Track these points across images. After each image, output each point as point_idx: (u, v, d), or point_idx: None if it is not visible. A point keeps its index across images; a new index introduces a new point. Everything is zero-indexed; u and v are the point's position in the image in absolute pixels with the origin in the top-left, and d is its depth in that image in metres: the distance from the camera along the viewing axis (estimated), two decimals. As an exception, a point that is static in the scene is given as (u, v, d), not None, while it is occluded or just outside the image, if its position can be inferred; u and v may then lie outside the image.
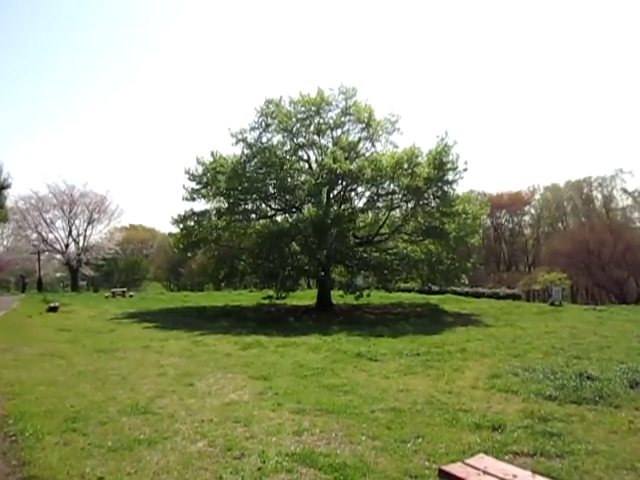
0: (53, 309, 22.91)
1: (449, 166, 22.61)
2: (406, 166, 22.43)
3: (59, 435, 6.12)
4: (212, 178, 24.17)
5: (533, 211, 64.86)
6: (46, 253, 46.40)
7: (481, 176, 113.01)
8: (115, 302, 29.08)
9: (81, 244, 45.21)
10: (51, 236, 44.89)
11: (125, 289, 37.50)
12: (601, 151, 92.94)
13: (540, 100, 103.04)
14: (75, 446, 5.75)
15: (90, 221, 45.58)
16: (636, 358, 10.86)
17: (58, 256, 46.99)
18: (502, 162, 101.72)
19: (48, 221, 44.37)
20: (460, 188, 24.06)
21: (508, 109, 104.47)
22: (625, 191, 57.94)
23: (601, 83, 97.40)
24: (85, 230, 45.57)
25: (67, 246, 44.96)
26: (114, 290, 35.39)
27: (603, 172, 68.71)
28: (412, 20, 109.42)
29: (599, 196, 61.19)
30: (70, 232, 45.07)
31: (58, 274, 55.78)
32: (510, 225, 64.91)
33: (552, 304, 25.64)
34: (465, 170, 22.88)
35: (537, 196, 64.49)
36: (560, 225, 63.67)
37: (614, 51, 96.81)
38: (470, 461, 4.03)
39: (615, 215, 57.50)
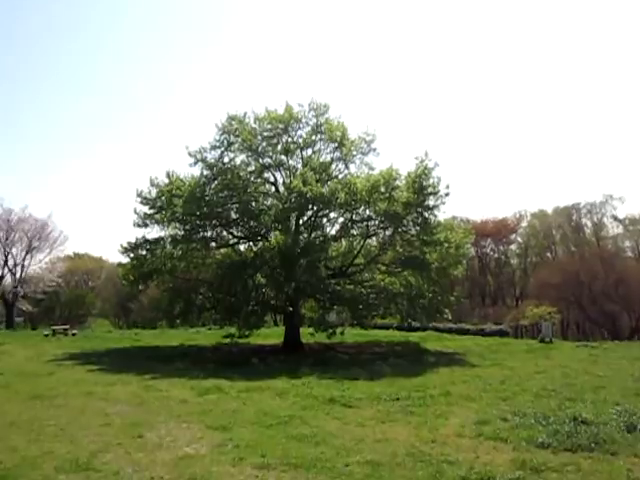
0: (-18, 350, 22.12)
1: (430, 190, 22.88)
2: (383, 190, 22.64)
3: (-17, 499, 5.83)
4: (167, 202, 23.94)
5: (520, 239, 65.90)
6: (-22, 286, 45.05)
7: (464, 202, 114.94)
8: (56, 341, 28.33)
9: (18, 275, 44.03)
10: (-16, 267, 43.67)
11: (67, 326, 36.56)
12: (590, 175, 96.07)
13: (526, 122, 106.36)
14: (1, 512, 5.48)
15: (29, 250, 44.45)
16: (632, 399, 11.03)
17: (-9, 289, 45.64)
18: (487, 186, 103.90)
19: (-19, 250, 43.20)
20: (442, 214, 24.34)
21: (493, 130, 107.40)
22: (616, 218, 59.42)
23: (590, 105, 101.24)
24: (23, 260, 44.40)
25: (2, 278, 43.73)
26: (55, 327, 34.46)
27: (592, 198, 70.56)
28: (388, 33, 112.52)
29: (589, 223, 62.64)
30: (6, 262, 43.85)
31: (-10, 309, 54.11)
32: (496, 255, 65.77)
33: (542, 341, 25.99)
34: (447, 195, 23.15)
35: (524, 223, 65.64)
36: (549, 255, 64.83)
37: (602, 73, 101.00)
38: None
39: (606, 244, 58.84)
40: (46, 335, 32.03)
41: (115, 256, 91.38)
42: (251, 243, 26.12)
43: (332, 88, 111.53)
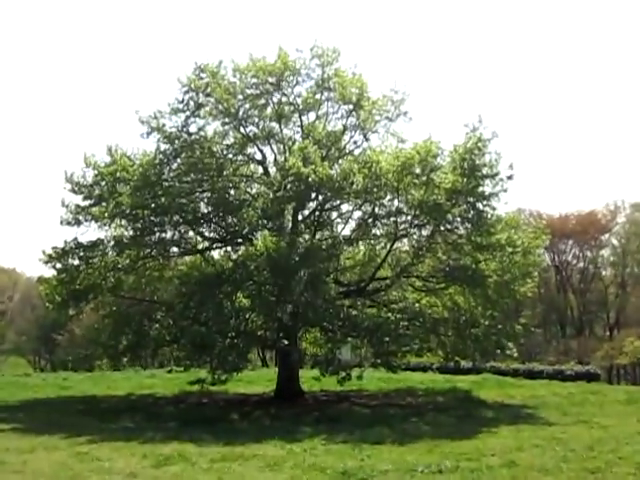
0: None
1: (485, 172, 22.84)
2: (418, 171, 22.62)
3: None
4: (109, 189, 24.00)
5: (615, 241, 65.73)
6: None
7: (534, 188, 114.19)
8: (-52, 390, 28.48)
9: None
10: None
11: (-33, 368, 36.97)
12: None
13: (617, 80, 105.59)
14: None
15: None
16: None
17: None
18: (566, 167, 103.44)
19: None
20: (503, 206, 24.40)
21: (572, 90, 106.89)
22: None
23: None
24: None
25: None
26: (-52, 370, 34.87)
27: None
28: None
29: None
30: None
31: None
32: (581, 264, 65.57)
33: (648, 388, 25.94)
34: (510, 178, 23.13)
35: (621, 219, 65.46)
36: (657, 263, 64.70)
37: None
38: None
39: None
40: (-63, 381, 32.29)
41: (35, 268, 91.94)
42: (229, 248, 26.11)
43: (343, 27, 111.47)
